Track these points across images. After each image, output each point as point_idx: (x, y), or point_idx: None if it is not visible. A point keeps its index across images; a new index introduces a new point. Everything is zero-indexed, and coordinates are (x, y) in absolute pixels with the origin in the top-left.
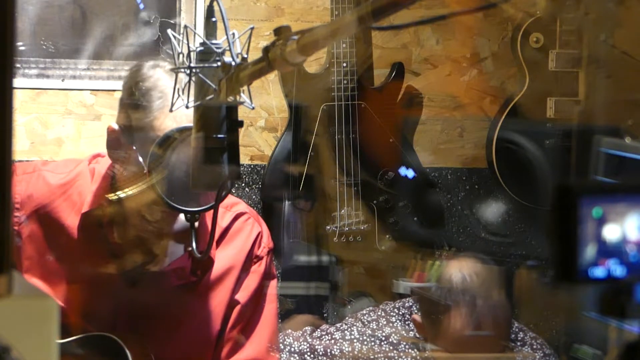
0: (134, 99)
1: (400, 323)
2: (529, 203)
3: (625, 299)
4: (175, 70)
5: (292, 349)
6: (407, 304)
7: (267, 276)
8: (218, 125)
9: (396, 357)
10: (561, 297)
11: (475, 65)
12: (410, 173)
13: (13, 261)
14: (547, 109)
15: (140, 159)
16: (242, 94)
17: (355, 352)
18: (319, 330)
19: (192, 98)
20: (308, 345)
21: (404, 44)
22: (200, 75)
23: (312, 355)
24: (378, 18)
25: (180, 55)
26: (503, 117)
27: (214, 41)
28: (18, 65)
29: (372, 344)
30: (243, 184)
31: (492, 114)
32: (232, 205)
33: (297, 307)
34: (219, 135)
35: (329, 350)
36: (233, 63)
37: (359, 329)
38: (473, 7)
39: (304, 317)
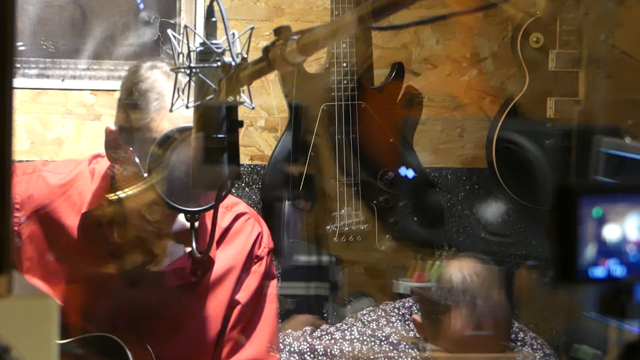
0: (131, 100)
1: (400, 323)
2: (529, 203)
3: (625, 299)
4: (175, 70)
5: (292, 349)
6: (407, 304)
7: (267, 276)
8: (218, 125)
9: (396, 357)
10: (561, 297)
11: (475, 65)
12: (410, 173)
13: (13, 261)
14: (547, 109)
15: (137, 160)
16: (242, 94)
17: (355, 352)
18: (319, 330)
19: (192, 98)
20: (308, 345)
21: (404, 44)
22: (200, 75)
23: (312, 355)
24: (378, 18)
25: (180, 55)
26: (503, 117)
27: (214, 41)
28: (18, 65)
29: (372, 344)
30: (243, 184)
31: (492, 114)
32: (233, 205)
33: (297, 307)
34: (219, 135)
35: (329, 350)
36: (233, 63)
37: (359, 329)
38: (473, 7)
39: (304, 317)
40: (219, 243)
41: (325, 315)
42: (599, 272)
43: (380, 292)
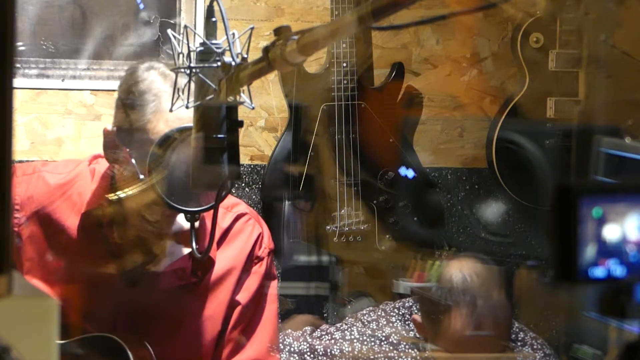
0: (128, 101)
1: (400, 323)
2: (529, 203)
3: (625, 299)
4: (176, 71)
5: (292, 349)
6: (407, 304)
7: (267, 277)
8: (218, 125)
9: (396, 357)
10: (561, 297)
11: (475, 65)
12: (410, 173)
13: (13, 262)
14: (547, 109)
15: (134, 161)
16: (242, 94)
17: (355, 352)
18: (319, 330)
19: (191, 98)
20: (308, 345)
21: (404, 44)
22: (200, 75)
23: (312, 355)
24: (378, 18)
25: (180, 55)
26: (503, 117)
27: (214, 41)
28: (18, 65)
29: (372, 344)
30: (243, 184)
31: (492, 114)
32: (233, 206)
33: (297, 307)
34: (219, 135)
35: (329, 350)
36: (233, 63)
37: (359, 329)
38: (473, 7)
39: (304, 317)
40: (219, 244)
41: (325, 315)
42: (599, 272)
43: (380, 292)
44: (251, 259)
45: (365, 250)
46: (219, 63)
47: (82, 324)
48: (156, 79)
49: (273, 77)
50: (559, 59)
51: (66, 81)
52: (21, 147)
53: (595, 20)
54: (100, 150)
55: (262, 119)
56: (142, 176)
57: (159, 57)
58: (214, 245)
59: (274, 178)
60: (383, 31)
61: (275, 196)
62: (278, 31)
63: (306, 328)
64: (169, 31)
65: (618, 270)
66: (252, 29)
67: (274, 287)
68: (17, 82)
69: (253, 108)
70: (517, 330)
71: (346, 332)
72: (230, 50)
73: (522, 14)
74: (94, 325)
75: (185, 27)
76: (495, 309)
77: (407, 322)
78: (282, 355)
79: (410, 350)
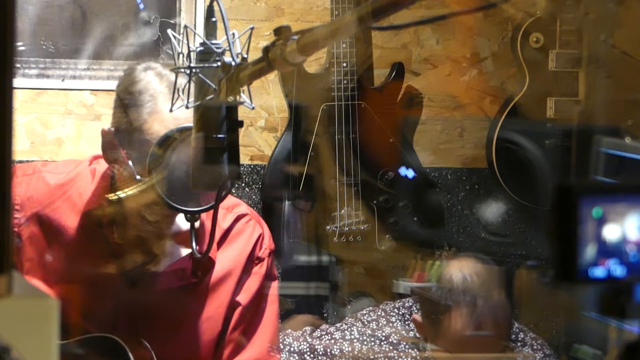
0: (125, 101)
1: (400, 323)
2: (529, 203)
3: (625, 299)
4: (176, 70)
5: (292, 349)
6: (407, 304)
7: (268, 278)
8: (218, 125)
9: (396, 357)
10: (561, 297)
11: (475, 65)
12: (410, 173)
13: (13, 262)
14: (547, 109)
15: (130, 162)
16: (242, 94)
17: (355, 352)
18: (319, 330)
19: (191, 98)
20: (308, 345)
21: (404, 44)
22: (200, 75)
23: (312, 355)
24: (378, 18)
25: (180, 56)
26: (503, 117)
27: (214, 41)
28: (18, 65)
29: (372, 344)
30: (243, 184)
31: (492, 114)
32: (234, 206)
33: (297, 307)
34: (219, 135)
35: (328, 350)
36: (233, 63)
37: (359, 329)
38: (473, 7)
39: (304, 317)
40: (219, 244)
41: (325, 315)
42: (599, 272)
43: (380, 292)
44: (252, 260)
45: (365, 250)
46: (219, 63)
47: (82, 324)
48: (153, 80)
49: (273, 77)
50: (559, 59)
51: (66, 81)
52: (21, 147)
53: (595, 20)
54: (100, 150)
55: (262, 119)
56: (138, 177)
57: (159, 57)
58: (214, 245)
59: (274, 178)
60: (383, 31)
61: (275, 196)
62: (278, 31)
63: (306, 328)
64: (169, 31)
65: (618, 270)
66: (252, 29)
67: (274, 287)
68: (17, 82)
69: (253, 108)
70: (517, 330)
71: (346, 332)
72: (230, 50)
73: (522, 14)
74: (94, 326)
75: (185, 27)
76: (495, 309)
77: (407, 322)
78: (282, 355)
79: (410, 350)
